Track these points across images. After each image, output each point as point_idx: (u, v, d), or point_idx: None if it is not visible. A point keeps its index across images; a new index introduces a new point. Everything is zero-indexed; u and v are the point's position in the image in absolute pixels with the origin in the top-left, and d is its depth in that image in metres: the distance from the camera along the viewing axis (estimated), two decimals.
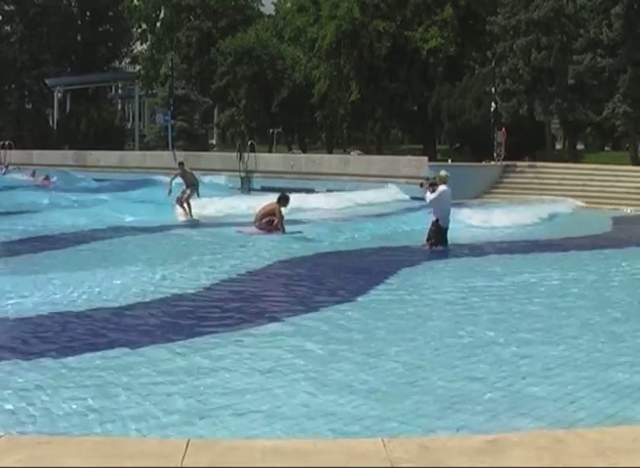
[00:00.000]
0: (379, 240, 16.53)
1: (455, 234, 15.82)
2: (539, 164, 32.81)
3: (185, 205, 20.00)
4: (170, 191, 19.78)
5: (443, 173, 15.84)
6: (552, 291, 10.83)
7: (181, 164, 21.03)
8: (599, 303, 10.10)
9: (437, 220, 15.16)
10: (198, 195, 20.54)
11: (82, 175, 37.50)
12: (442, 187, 15.09)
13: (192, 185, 20.24)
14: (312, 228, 17.81)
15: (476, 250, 15.53)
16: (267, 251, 14.38)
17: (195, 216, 20.01)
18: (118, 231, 17.25)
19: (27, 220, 18.74)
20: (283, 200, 16.61)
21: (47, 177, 35.29)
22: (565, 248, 15.87)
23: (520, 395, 6.24)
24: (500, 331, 8.29)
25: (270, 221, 16.27)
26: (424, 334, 8.22)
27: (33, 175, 36.22)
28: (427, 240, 15.23)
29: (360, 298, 10.21)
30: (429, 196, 15.14)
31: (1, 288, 10.17)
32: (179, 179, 20.75)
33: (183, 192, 20.11)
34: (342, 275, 12.36)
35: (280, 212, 16.37)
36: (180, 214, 19.89)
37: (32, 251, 14.30)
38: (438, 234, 15.19)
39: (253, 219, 16.91)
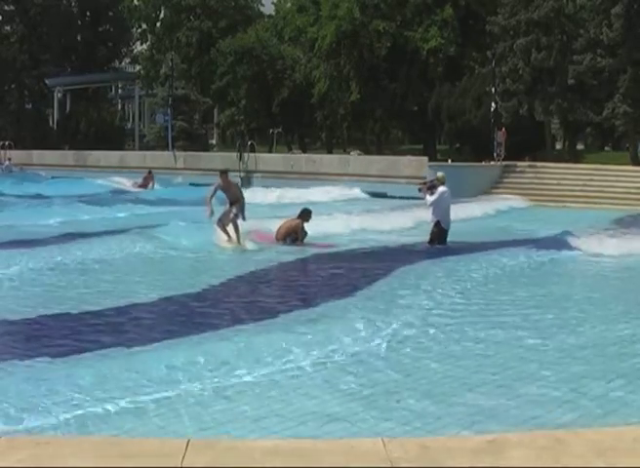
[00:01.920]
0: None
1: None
2: (539, 164, 32.79)
3: (231, 227, 15.34)
4: (212, 212, 15.13)
5: (440, 174, 15.92)
6: None
7: (225, 173, 16.00)
8: None
9: (439, 222, 15.18)
10: (244, 218, 15.60)
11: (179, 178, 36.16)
12: (442, 188, 15.17)
13: (238, 202, 15.55)
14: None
15: None
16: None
17: (245, 243, 15.25)
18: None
19: None
20: (306, 215, 15.60)
21: (149, 174, 32.96)
22: None
23: None
24: None
25: (294, 239, 15.42)
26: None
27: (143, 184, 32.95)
28: (430, 242, 15.26)
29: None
30: (429, 199, 15.20)
31: None
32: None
33: (227, 212, 15.50)
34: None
35: (303, 227, 15.57)
36: (222, 241, 15.31)
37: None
38: (440, 235, 15.22)
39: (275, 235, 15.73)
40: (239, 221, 15.40)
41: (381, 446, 3.50)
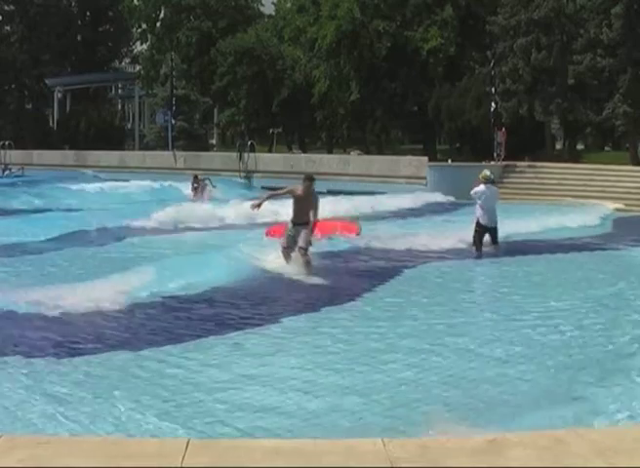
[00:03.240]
0: None
1: None
2: (539, 164, 32.79)
3: (299, 259, 11.79)
4: (258, 205, 12.36)
5: (485, 172, 16.02)
6: None
7: (311, 180, 12.19)
8: None
9: (478, 220, 15.36)
10: (310, 243, 12.00)
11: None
12: (481, 187, 15.36)
13: (307, 223, 11.77)
14: None
15: None
16: None
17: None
18: None
19: None
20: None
21: (197, 179, 26.43)
22: None
23: None
24: None
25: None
26: None
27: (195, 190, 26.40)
28: (474, 247, 15.25)
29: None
30: (472, 191, 15.57)
31: None
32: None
33: (293, 238, 11.88)
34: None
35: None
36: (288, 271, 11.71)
37: None
38: (481, 235, 15.26)
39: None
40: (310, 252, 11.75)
41: (381, 446, 3.49)
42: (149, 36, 64.91)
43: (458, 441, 3.87)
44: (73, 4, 64.12)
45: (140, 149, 50.79)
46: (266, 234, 15.06)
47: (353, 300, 10.58)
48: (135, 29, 66.37)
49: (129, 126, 61.71)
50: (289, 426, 5.61)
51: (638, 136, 38.06)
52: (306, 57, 51.26)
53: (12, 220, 19.50)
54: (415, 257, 14.38)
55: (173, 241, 16.41)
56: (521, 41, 37.62)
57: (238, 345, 8.07)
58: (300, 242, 11.62)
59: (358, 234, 15.97)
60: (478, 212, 15.39)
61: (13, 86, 60.19)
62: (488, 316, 9.79)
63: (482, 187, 15.40)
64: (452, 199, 27.11)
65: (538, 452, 3.44)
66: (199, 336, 8.48)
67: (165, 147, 46.01)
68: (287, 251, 11.83)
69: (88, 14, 64.05)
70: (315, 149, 56.11)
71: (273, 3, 65.18)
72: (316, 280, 11.35)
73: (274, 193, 12.86)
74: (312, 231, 11.86)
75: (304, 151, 49.58)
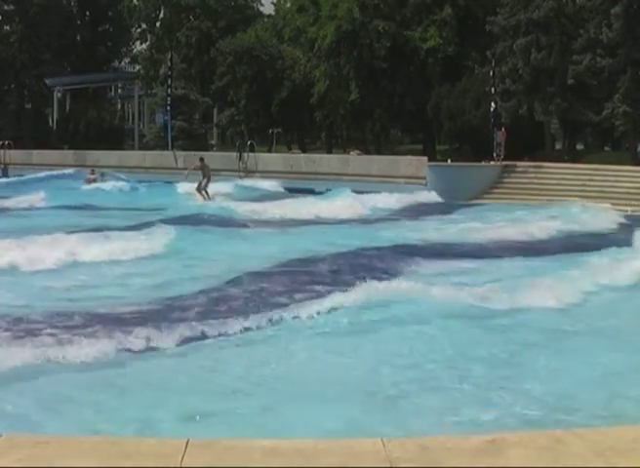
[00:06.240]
0: None
1: None
2: (538, 164, 32.80)
3: None
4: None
5: None
6: None
7: None
8: None
9: None
10: None
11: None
12: None
13: None
14: None
15: None
16: None
17: None
18: None
19: None
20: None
21: None
22: None
23: None
24: None
25: None
26: None
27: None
28: None
29: None
30: None
31: None
32: None
33: None
34: None
35: None
36: None
37: None
38: None
39: None
40: None
41: (381, 446, 3.49)
42: (149, 36, 64.89)
43: (457, 441, 3.86)
44: (73, 4, 64.04)
45: (140, 149, 50.74)
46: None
47: None
48: (134, 29, 66.34)
49: (128, 126, 61.67)
50: None
51: (638, 135, 38.06)
52: (306, 57, 51.26)
53: None
54: None
55: None
56: (521, 41, 37.60)
57: None
58: None
59: None
60: None
61: (12, 86, 60.11)
62: None
63: None
64: None
65: (537, 452, 3.44)
66: None
67: (165, 147, 45.95)
68: None
69: (88, 13, 63.96)
70: (315, 149, 56.08)
71: (273, 3, 65.23)
72: None
73: None
74: None
75: (304, 151, 49.55)
